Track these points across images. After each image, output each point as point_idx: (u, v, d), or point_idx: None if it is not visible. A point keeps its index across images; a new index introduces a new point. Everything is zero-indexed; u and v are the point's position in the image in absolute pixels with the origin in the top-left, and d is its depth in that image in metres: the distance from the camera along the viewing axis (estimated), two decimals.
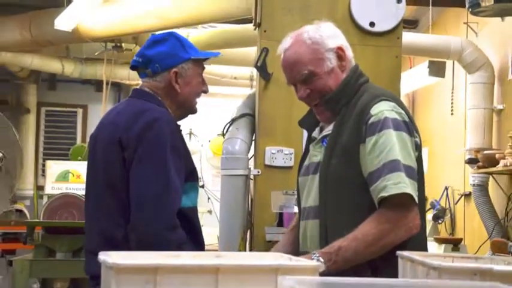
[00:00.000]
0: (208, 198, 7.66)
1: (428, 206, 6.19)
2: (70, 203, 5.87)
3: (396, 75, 3.80)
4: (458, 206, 6.61)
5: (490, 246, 5.07)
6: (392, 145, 2.17)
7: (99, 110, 7.67)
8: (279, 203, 3.54)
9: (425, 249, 2.35)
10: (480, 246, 5.72)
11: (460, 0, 4.95)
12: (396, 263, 1.78)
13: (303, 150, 2.60)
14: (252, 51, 5.45)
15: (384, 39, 3.78)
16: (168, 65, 2.56)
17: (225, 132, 3.96)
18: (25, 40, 6.58)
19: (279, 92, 3.66)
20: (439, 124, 7.13)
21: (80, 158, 7.23)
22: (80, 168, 6.98)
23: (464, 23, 6.31)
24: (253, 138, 3.87)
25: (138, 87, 2.67)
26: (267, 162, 3.70)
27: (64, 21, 6.02)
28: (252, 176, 3.76)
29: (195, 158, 2.56)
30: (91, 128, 2.20)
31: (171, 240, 2.31)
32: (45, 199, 6.81)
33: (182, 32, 5.41)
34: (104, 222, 2.44)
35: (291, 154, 3.69)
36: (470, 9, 4.65)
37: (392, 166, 2.15)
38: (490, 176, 5.80)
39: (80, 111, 9.38)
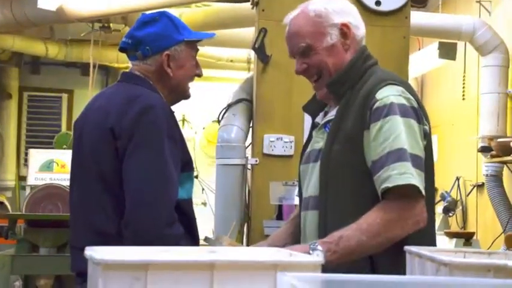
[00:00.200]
0: (203, 189, 7.64)
1: (438, 198, 6.19)
2: (54, 195, 5.85)
3: (404, 58, 3.80)
4: (470, 198, 6.61)
5: (504, 240, 5.07)
6: (398, 132, 2.16)
7: (85, 95, 7.65)
8: (278, 194, 3.54)
9: (434, 244, 2.34)
10: (494, 241, 5.73)
11: None
12: (399, 259, 1.78)
13: (307, 137, 2.58)
14: (250, 32, 5.43)
15: (390, 19, 3.77)
16: (160, 48, 2.53)
17: (220, 118, 3.96)
18: (6, 20, 6.56)
19: (278, 76, 3.65)
20: (450, 110, 7.12)
21: (65, 146, 7.22)
22: (64, 157, 6.98)
23: (477, 1, 6.30)
24: (251, 125, 3.87)
25: (127, 70, 2.65)
26: (265, 151, 3.70)
27: (48, 0, 6.00)
28: (249, 166, 3.76)
29: (188, 147, 2.55)
30: (77, 115, 2.19)
31: (170, 236, 2.30)
32: (27, 190, 6.82)
33: (174, 12, 5.40)
34: (93, 215, 2.42)
35: (291, 142, 3.69)
36: None
37: (398, 155, 2.14)
38: (505, 166, 5.81)
39: (65, 96, 9.36)
